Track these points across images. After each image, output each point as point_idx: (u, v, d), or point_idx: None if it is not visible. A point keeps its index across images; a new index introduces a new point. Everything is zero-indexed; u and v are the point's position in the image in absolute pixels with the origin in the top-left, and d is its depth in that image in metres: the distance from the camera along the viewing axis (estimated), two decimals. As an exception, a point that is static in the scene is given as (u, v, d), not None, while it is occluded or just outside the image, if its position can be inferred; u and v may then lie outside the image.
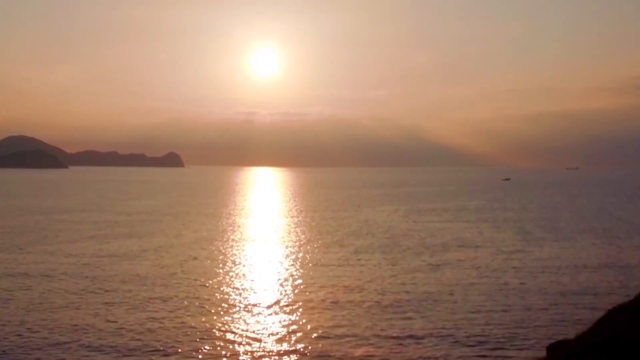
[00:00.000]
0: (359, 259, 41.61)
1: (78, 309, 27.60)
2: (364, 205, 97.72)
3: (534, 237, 54.92)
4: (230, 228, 60.40)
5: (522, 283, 33.84)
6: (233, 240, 51.17)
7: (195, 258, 41.85)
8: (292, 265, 39.25)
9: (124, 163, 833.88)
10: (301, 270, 37.18)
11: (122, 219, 70.71)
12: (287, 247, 47.53)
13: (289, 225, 63.19)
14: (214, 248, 46.59)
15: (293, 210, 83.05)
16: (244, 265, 38.96)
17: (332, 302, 29.25)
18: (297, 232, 56.23)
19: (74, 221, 67.29)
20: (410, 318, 26.59)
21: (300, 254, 43.47)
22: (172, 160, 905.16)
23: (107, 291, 31.36)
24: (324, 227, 60.97)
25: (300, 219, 70.10)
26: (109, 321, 25.59)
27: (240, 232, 56.31)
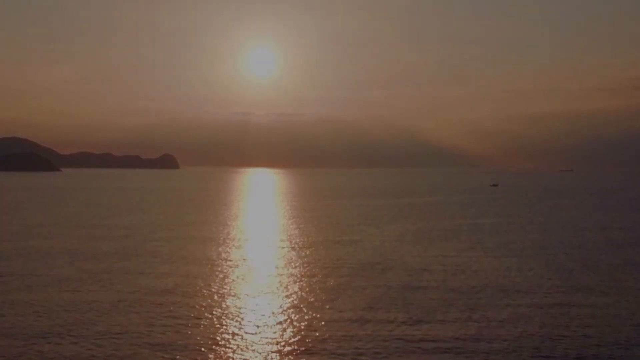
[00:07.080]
0: (374, 314, 33.92)
1: None
2: (367, 224, 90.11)
3: (574, 276, 47.19)
4: (222, 266, 53.03)
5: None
6: (222, 290, 43.48)
7: (173, 315, 34.08)
8: (292, 328, 31.51)
9: (118, 165, 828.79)
10: (305, 337, 29.41)
11: (99, 253, 63.09)
12: (286, 297, 39.83)
13: (287, 261, 55.62)
14: (199, 298, 38.85)
15: (291, 235, 75.57)
16: (230, 336, 31.30)
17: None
18: (297, 274, 48.54)
19: (41, 251, 59.38)
20: None
21: (304, 309, 35.76)
22: (167, 161, 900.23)
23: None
24: (326, 261, 53.42)
25: (299, 250, 62.52)
26: None
27: (232, 276, 48.66)
